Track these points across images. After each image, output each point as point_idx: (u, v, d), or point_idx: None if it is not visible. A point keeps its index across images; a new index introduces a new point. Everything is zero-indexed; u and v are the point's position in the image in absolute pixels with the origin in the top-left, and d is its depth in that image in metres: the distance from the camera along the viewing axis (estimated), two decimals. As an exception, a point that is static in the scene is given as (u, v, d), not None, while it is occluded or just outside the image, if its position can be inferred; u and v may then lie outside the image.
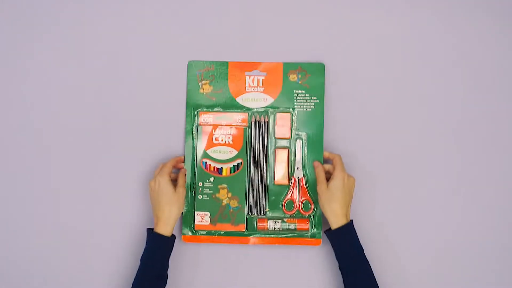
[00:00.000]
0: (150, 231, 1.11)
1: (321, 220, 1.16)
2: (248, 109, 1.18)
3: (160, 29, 1.21)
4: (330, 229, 1.11)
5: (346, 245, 1.10)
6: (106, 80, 1.20)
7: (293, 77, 1.18)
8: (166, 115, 1.19)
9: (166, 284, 1.10)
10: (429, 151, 1.19)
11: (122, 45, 1.21)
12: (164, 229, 1.10)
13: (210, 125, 1.18)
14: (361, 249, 1.10)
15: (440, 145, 1.20)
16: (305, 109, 1.18)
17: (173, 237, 1.11)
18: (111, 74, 1.20)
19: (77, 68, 1.20)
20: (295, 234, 1.16)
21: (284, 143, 1.18)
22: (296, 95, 1.18)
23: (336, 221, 1.10)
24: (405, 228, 1.18)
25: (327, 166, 1.16)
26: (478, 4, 1.21)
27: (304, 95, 1.18)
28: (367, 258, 1.10)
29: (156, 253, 1.09)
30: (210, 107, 1.18)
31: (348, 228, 1.10)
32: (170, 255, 1.11)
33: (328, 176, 1.15)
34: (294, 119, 1.17)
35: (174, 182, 1.15)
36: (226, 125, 1.18)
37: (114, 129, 1.20)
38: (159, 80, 1.20)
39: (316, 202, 1.16)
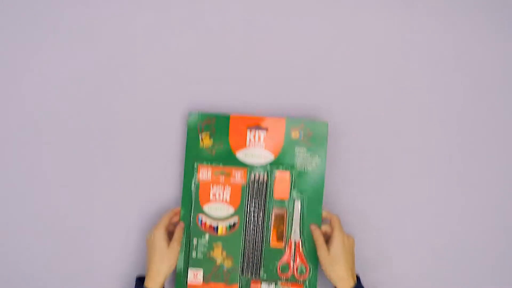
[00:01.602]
0: (139, 282, 1.09)
1: (316, 286, 1.13)
2: (248, 165, 1.15)
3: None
4: None
5: None
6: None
7: (295, 134, 1.15)
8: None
9: None
10: (427, 156, 1.19)
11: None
12: (152, 285, 1.08)
13: (208, 180, 1.15)
14: None
15: (440, 152, 1.19)
16: (305, 168, 1.14)
17: None
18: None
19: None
20: (289, 298, 1.13)
21: (282, 203, 1.14)
22: (297, 153, 1.14)
23: (343, 285, 1.08)
24: (404, 231, 1.18)
25: (324, 228, 1.12)
26: (478, 4, 1.19)
27: (305, 153, 1.14)
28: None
29: None
30: (209, 161, 1.15)
31: None
32: None
33: (326, 237, 1.11)
34: (294, 178, 1.14)
35: (171, 234, 1.13)
36: (224, 182, 1.14)
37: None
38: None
39: (313, 267, 1.13)
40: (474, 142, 1.19)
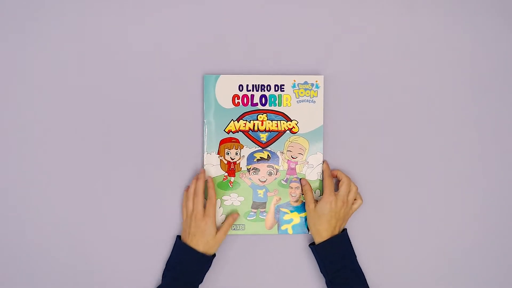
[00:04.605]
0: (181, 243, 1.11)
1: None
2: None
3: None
4: (313, 243, 1.14)
5: (332, 257, 1.11)
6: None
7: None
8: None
9: None
10: (426, 152, 1.18)
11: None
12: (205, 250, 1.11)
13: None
14: (350, 259, 1.11)
15: (438, 147, 1.18)
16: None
17: (214, 255, 1.12)
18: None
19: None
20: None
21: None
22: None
23: (318, 240, 1.12)
24: (403, 234, 1.19)
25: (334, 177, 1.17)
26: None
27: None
28: (361, 266, 1.14)
29: (193, 268, 1.10)
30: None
31: (334, 241, 1.11)
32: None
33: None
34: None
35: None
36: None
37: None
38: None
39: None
40: (476, 143, 1.18)
